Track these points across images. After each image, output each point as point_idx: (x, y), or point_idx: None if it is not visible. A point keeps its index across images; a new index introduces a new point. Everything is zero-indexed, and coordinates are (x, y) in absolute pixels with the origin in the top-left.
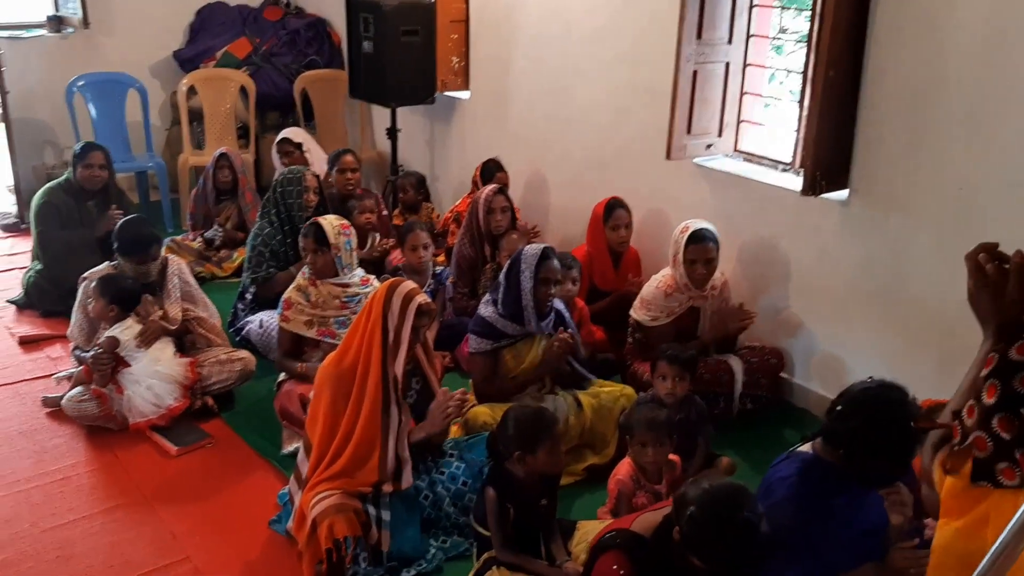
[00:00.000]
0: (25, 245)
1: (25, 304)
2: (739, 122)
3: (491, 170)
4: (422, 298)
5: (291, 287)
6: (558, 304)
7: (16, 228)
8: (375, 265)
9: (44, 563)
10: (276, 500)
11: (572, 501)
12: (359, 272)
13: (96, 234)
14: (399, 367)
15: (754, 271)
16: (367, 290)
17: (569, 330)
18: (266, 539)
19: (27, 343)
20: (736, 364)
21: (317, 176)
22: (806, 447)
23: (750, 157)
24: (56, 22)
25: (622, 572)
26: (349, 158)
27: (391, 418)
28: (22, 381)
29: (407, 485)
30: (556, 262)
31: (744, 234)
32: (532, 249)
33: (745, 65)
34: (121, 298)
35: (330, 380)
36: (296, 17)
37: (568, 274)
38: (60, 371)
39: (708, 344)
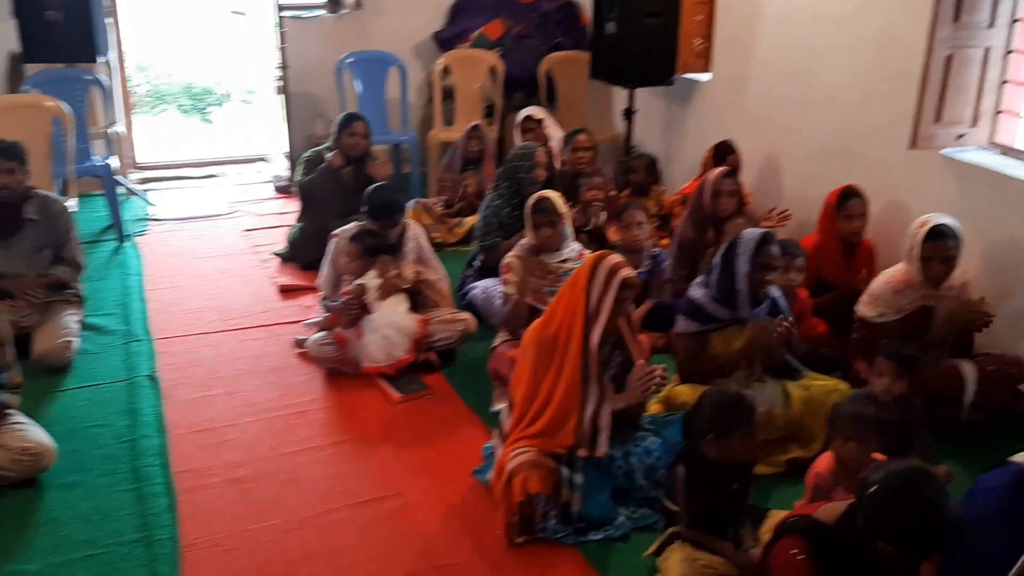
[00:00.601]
0: (293, 206)
1: (288, 257)
2: (997, 112)
3: (722, 152)
4: (627, 271)
5: (511, 254)
6: (775, 292)
7: (287, 190)
8: (598, 242)
9: (277, 482)
10: (481, 452)
11: (770, 491)
12: (575, 247)
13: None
14: (595, 337)
15: (1000, 274)
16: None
17: (786, 319)
18: (469, 486)
19: (286, 291)
20: (969, 370)
21: (549, 153)
22: (1021, 457)
23: (1007, 151)
24: (334, 3)
25: (800, 557)
26: (582, 137)
27: (590, 386)
28: (277, 324)
29: (601, 453)
30: (777, 248)
31: (992, 233)
32: (751, 233)
33: (1008, 51)
34: (367, 251)
35: (534, 345)
36: (549, 0)
37: (791, 262)
38: (310, 318)
39: (936, 344)
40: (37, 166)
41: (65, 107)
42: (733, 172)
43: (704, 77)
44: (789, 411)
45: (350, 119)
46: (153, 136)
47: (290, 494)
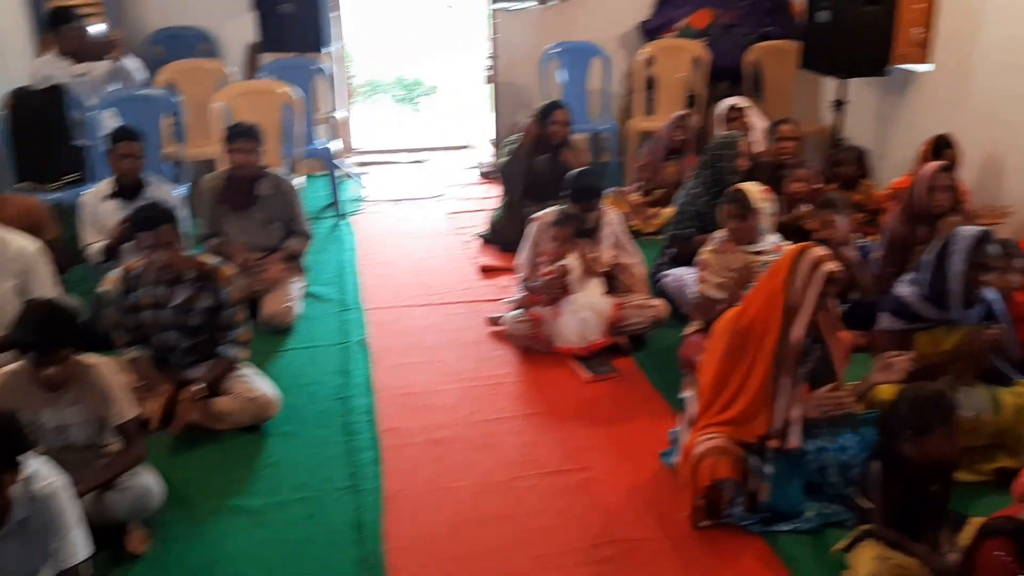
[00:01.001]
0: (496, 191)
1: (489, 239)
2: None
3: (940, 147)
4: (832, 265)
5: (707, 248)
6: (991, 295)
7: (491, 176)
8: (799, 234)
9: (473, 447)
10: (667, 436)
11: (974, 500)
12: (773, 239)
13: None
14: (797, 332)
15: None
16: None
17: (1001, 324)
18: (655, 468)
19: (486, 271)
20: None
21: (749, 143)
22: None
23: None
24: None
25: (1007, 558)
26: (787, 127)
27: (784, 380)
28: (477, 301)
29: (793, 446)
30: (996, 247)
31: None
32: (969, 230)
33: None
34: (575, 233)
35: (727, 333)
36: None
37: (1011, 264)
38: (507, 297)
39: None
40: (269, 147)
41: (295, 93)
42: (950, 167)
43: (922, 68)
44: (999, 418)
45: (551, 108)
46: (367, 123)
47: (484, 458)
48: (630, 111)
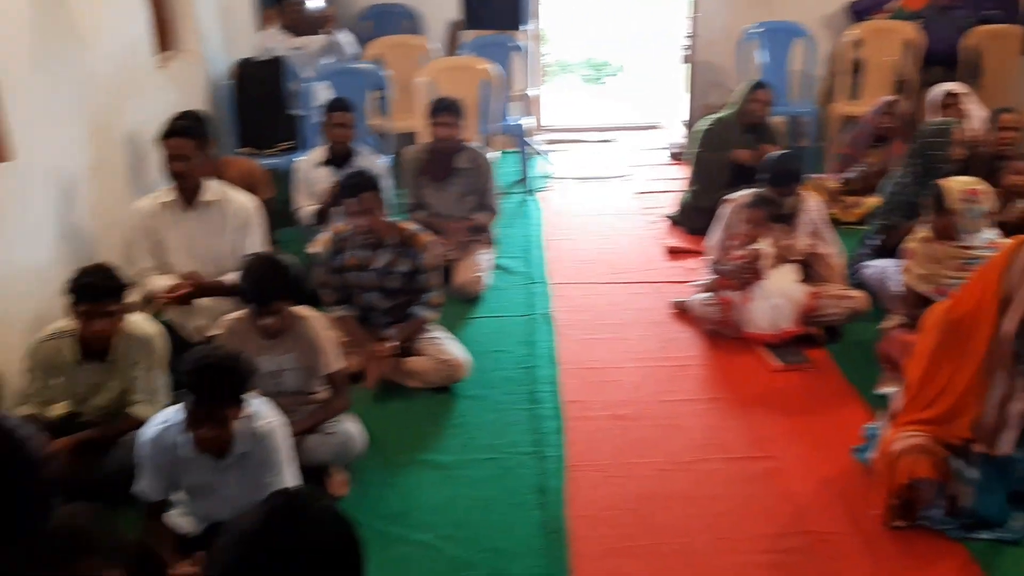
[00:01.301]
0: (685, 172)
1: (677, 221)
2: None
3: None
4: None
5: (914, 238)
6: None
7: (681, 157)
8: (1020, 230)
9: (656, 426)
10: (862, 432)
11: None
12: (988, 234)
13: (742, 160)
14: (1009, 326)
15: None
16: (993, 253)
17: None
18: (846, 464)
19: (673, 253)
20: None
21: (965, 131)
22: None
23: None
24: None
25: None
26: (1009, 116)
27: (996, 379)
28: (662, 282)
29: (1002, 452)
30: None
31: None
32: None
33: None
34: (769, 218)
35: (938, 326)
36: None
37: None
38: (695, 280)
39: None
40: (467, 121)
41: (494, 70)
42: None
43: None
44: None
45: (756, 86)
46: (555, 102)
47: (667, 438)
48: (832, 95)
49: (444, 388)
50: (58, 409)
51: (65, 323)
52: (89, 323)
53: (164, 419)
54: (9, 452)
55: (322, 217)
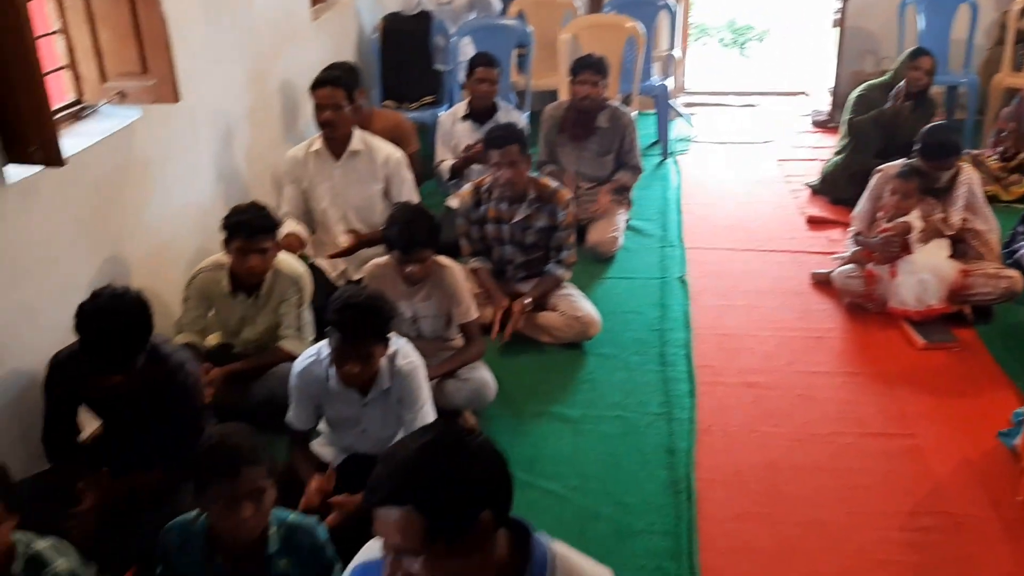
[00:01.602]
0: (830, 140)
1: (819, 190)
2: None
3: None
4: None
5: None
6: None
7: (824, 125)
8: None
9: (789, 396)
10: (1011, 417)
11: None
12: None
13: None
14: None
15: None
16: None
17: None
18: (991, 447)
19: (814, 223)
20: None
21: None
22: None
23: None
24: None
25: None
26: None
27: None
28: (801, 252)
29: None
30: None
31: None
32: None
33: None
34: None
35: None
36: None
37: None
38: (837, 252)
39: None
40: (610, 81)
41: (640, 28)
42: None
43: None
44: None
45: (916, 54)
46: (695, 65)
47: (801, 409)
48: (996, 65)
49: (575, 345)
50: (212, 339)
51: (221, 256)
52: (243, 259)
53: (314, 353)
54: (167, 374)
55: (456, 172)
